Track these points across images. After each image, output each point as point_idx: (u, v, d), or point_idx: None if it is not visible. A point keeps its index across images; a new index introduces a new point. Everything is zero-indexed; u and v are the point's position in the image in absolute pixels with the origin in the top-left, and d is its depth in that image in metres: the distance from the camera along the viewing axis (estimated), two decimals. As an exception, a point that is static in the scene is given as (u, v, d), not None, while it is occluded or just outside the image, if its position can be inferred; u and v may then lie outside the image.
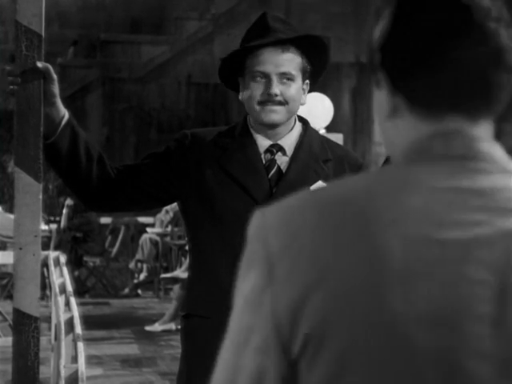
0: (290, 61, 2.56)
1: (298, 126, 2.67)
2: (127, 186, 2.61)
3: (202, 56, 15.57)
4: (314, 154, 2.63)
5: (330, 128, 7.48)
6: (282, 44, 2.57)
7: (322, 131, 7.34)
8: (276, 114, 2.55)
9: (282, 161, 2.62)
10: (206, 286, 2.57)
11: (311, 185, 2.56)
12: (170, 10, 16.99)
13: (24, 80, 2.40)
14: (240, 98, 2.63)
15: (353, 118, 16.62)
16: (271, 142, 2.61)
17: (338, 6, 16.41)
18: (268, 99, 2.54)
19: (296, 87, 2.58)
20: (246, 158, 2.59)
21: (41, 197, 2.40)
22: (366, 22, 16.71)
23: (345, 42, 16.36)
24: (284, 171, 2.59)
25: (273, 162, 2.61)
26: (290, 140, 2.63)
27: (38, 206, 2.39)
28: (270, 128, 2.59)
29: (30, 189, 2.39)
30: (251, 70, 2.58)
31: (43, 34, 2.43)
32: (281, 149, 2.62)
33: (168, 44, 15.95)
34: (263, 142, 2.61)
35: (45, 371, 4.76)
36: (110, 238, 12.40)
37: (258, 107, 2.56)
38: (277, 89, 2.53)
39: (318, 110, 7.30)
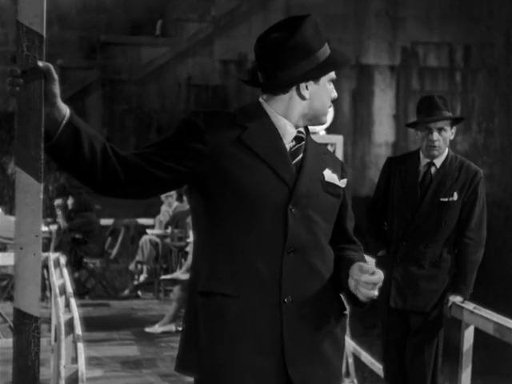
0: None
1: None
2: (137, 173, 2.59)
3: (202, 58, 15.57)
4: (316, 145, 2.79)
5: (330, 129, 7.48)
6: None
7: (322, 133, 7.34)
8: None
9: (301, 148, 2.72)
10: (233, 264, 2.56)
11: (323, 170, 2.71)
12: (170, 12, 16.98)
13: (25, 80, 2.40)
14: (307, 96, 2.70)
15: (353, 119, 16.61)
16: (296, 130, 2.71)
17: (338, 8, 16.39)
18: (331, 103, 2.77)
19: None
20: (270, 140, 2.65)
21: (41, 196, 2.40)
22: (366, 24, 16.70)
23: (344, 43, 16.35)
24: (301, 157, 2.68)
25: (298, 149, 2.69)
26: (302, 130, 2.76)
27: (38, 206, 2.39)
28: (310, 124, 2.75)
29: (30, 189, 2.39)
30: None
31: (44, 35, 2.43)
32: (303, 138, 2.72)
33: (168, 46, 15.94)
34: (289, 129, 2.69)
35: (45, 372, 4.75)
36: (109, 239, 12.39)
37: (326, 109, 2.74)
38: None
39: (318, 111, 7.32)
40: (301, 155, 2.67)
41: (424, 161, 5.01)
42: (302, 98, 2.68)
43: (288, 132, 2.68)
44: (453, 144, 5.06)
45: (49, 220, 12.05)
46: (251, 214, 2.56)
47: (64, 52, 16.33)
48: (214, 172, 2.58)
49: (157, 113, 15.56)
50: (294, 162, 2.66)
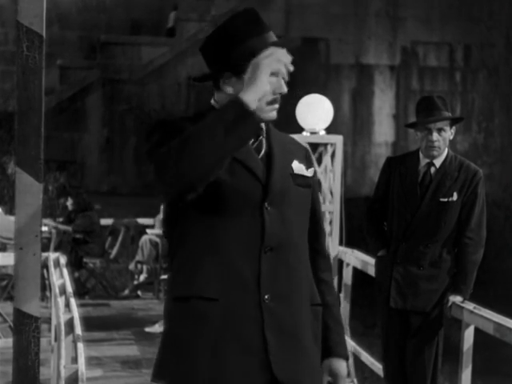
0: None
1: None
2: None
3: (202, 58, 15.57)
4: (280, 137, 2.75)
5: (329, 129, 7.48)
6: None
7: (322, 133, 7.34)
8: (276, 111, 2.59)
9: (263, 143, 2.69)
10: (211, 266, 2.55)
11: (291, 162, 2.69)
12: (170, 12, 16.98)
13: (25, 80, 2.40)
14: (228, 91, 2.61)
15: (353, 119, 16.62)
16: None
17: (338, 8, 16.40)
18: (276, 98, 2.56)
19: None
20: None
21: (41, 197, 2.40)
22: (366, 24, 16.70)
23: (344, 43, 16.36)
24: (268, 150, 2.66)
25: (260, 143, 2.66)
26: (261, 124, 2.68)
27: (38, 206, 2.39)
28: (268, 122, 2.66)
29: (30, 189, 2.39)
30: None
31: (44, 35, 2.43)
32: (261, 130, 2.67)
33: (168, 45, 15.95)
34: None
35: (45, 372, 4.75)
36: (109, 239, 12.39)
37: (267, 106, 2.50)
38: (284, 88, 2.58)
39: (318, 111, 7.29)
40: (263, 150, 2.64)
41: (424, 161, 5.01)
42: (227, 92, 2.61)
43: None
44: (453, 144, 5.06)
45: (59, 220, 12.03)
46: (228, 213, 2.55)
47: (64, 52, 16.34)
48: None
49: (157, 113, 15.57)
50: (260, 157, 2.63)
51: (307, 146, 2.88)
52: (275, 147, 2.67)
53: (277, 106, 2.57)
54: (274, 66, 2.43)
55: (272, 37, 2.62)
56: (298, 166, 2.70)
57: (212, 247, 2.56)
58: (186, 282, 2.57)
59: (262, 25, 2.62)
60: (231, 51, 2.60)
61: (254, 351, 2.54)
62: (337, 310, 2.83)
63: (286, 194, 2.63)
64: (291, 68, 2.48)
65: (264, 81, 2.40)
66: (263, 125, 2.68)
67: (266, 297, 2.56)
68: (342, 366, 2.75)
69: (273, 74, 2.44)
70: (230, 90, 2.61)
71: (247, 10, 2.66)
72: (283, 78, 2.51)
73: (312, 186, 2.75)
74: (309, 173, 2.73)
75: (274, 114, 2.58)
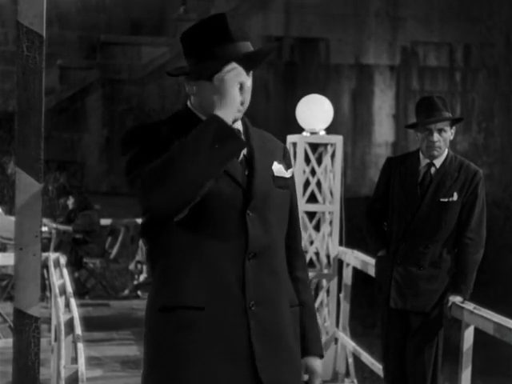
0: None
1: None
2: None
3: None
4: (260, 137, 2.69)
5: (329, 129, 7.48)
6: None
7: (322, 133, 7.34)
8: (240, 113, 2.55)
9: None
10: (196, 275, 2.51)
11: (271, 164, 2.65)
12: (170, 12, 16.98)
13: (25, 80, 2.40)
14: (189, 92, 2.60)
15: (352, 120, 16.62)
16: None
17: (338, 8, 16.40)
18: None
19: (250, 83, 2.58)
20: None
21: (41, 197, 2.40)
22: (366, 24, 16.70)
23: (344, 43, 16.36)
24: (248, 152, 2.61)
25: None
26: (239, 125, 2.63)
27: (38, 206, 2.39)
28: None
29: (30, 189, 2.39)
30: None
31: (44, 35, 2.43)
32: (239, 132, 2.60)
33: (168, 45, 15.95)
34: None
35: (45, 372, 4.75)
36: (109, 239, 12.39)
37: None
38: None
39: (318, 111, 7.29)
40: (242, 153, 2.59)
41: (424, 161, 5.01)
42: (191, 92, 2.60)
43: None
44: (453, 144, 5.06)
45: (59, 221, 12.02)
46: (210, 220, 2.51)
47: (64, 52, 16.34)
48: None
49: (157, 113, 15.56)
50: (239, 160, 2.59)
51: (284, 144, 2.82)
52: (255, 148, 2.63)
53: (240, 115, 2.54)
54: (238, 78, 2.45)
55: (240, 46, 2.53)
56: (278, 168, 2.66)
57: (195, 256, 2.52)
58: (170, 292, 2.53)
59: (228, 33, 2.54)
60: (195, 56, 2.57)
61: (241, 358, 2.53)
62: (312, 308, 2.83)
63: (268, 198, 2.60)
64: (249, 85, 2.52)
65: (234, 94, 2.42)
66: (241, 125, 2.64)
67: (251, 303, 2.54)
68: (317, 364, 2.75)
69: (239, 86, 2.46)
70: (193, 90, 2.58)
71: (215, 16, 2.60)
72: (246, 92, 2.51)
73: (290, 186, 2.72)
74: (288, 174, 2.69)
75: (238, 116, 2.54)
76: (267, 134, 2.78)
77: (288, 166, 2.72)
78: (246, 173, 2.58)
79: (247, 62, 2.53)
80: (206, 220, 2.51)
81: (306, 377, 2.74)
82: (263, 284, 2.57)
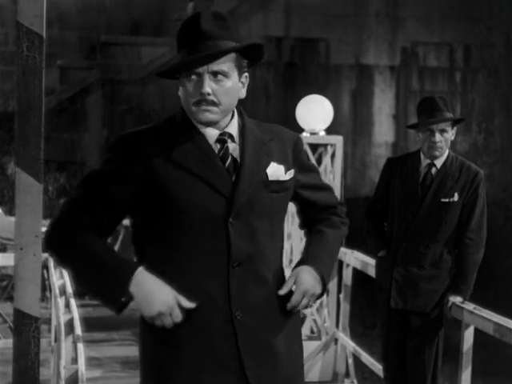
0: (224, 59, 2.50)
1: (236, 114, 2.62)
2: (109, 229, 2.65)
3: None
4: (258, 136, 2.61)
5: (329, 130, 7.47)
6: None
7: (322, 133, 7.34)
8: (210, 113, 2.49)
9: (233, 148, 2.56)
10: (179, 286, 2.47)
11: (265, 168, 2.57)
12: (170, 12, 16.98)
13: (25, 80, 2.40)
14: (179, 93, 2.56)
15: (353, 120, 16.61)
16: (218, 131, 2.55)
17: (338, 8, 16.40)
18: (201, 98, 2.49)
19: (230, 83, 2.52)
20: (198, 150, 2.50)
21: (41, 197, 2.40)
22: (366, 24, 16.70)
23: (344, 43, 16.35)
24: (239, 158, 2.55)
25: (226, 150, 2.55)
26: (234, 127, 2.58)
27: (38, 206, 2.39)
28: (209, 125, 2.55)
29: (30, 189, 2.39)
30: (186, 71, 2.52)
31: (44, 35, 2.43)
32: (230, 136, 2.56)
33: (168, 46, 15.94)
34: (211, 132, 2.54)
35: (45, 373, 4.75)
36: (109, 240, 12.37)
37: (193, 107, 2.51)
38: (208, 87, 2.48)
39: (318, 111, 7.29)
40: (230, 158, 2.53)
41: (425, 161, 5.01)
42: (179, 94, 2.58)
43: (210, 135, 2.54)
44: (453, 144, 5.06)
45: None
46: (192, 231, 2.47)
47: (64, 52, 16.33)
48: (152, 194, 2.48)
49: (157, 113, 15.56)
50: (226, 166, 2.53)
51: (296, 137, 2.74)
52: (247, 151, 2.56)
53: (208, 107, 2.48)
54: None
55: (208, 46, 2.47)
56: (274, 171, 2.58)
57: (178, 267, 2.49)
58: None
59: (198, 32, 2.48)
60: (178, 54, 2.55)
61: (230, 369, 2.49)
62: (329, 235, 2.73)
63: (256, 205, 2.52)
64: (229, 85, 2.49)
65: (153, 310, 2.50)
66: (236, 124, 2.59)
67: (238, 312, 2.49)
68: (305, 276, 2.62)
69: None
70: (179, 90, 2.55)
71: (193, 15, 2.55)
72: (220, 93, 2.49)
73: (289, 188, 2.63)
74: (287, 175, 2.61)
75: (207, 116, 2.50)
76: (277, 129, 2.71)
77: (295, 160, 2.65)
78: (233, 179, 2.52)
79: (203, 62, 2.46)
80: (186, 231, 2.48)
81: (294, 287, 2.61)
82: (250, 293, 2.51)
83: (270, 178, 2.57)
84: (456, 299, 4.89)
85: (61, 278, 6.46)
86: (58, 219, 2.47)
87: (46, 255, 7.89)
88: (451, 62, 17.15)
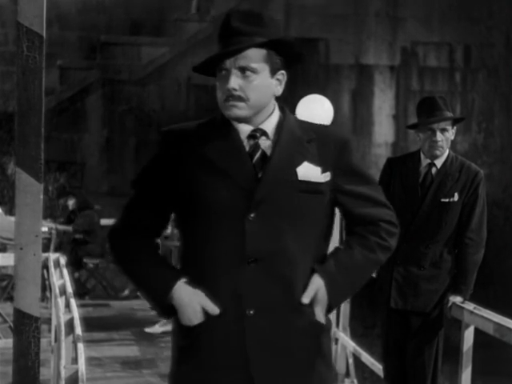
0: (252, 54, 2.52)
1: (277, 111, 2.62)
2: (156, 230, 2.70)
3: (202, 58, 15.55)
4: (296, 135, 2.58)
5: (329, 129, 7.47)
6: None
7: (322, 133, 7.34)
8: (237, 108, 2.52)
9: (266, 145, 2.56)
10: (195, 278, 2.54)
11: (296, 166, 2.54)
12: (170, 12, 16.98)
13: (25, 80, 2.40)
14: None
15: (352, 120, 16.61)
16: (252, 127, 2.57)
17: (338, 8, 16.39)
18: (228, 94, 2.52)
19: (259, 80, 2.53)
20: (227, 145, 2.53)
21: (41, 197, 2.40)
22: (366, 24, 16.70)
23: (344, 43, 16.35)
24: (269, 155, 2.54)
25: (257, 146, 2.56)
26: (271, 124, 2.58)
27: (38, 206, 2.39)
28: (240, 121, 2.57)
29: (30, 189, 2.39)
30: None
31: (44, 35, 2.43)
32: (264, 133, 2.57)
33: (168, 46, 15.94)
34: (244, 128, 2.56)
35: (45, 373, 4.75)
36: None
37: (222, 103, 2.56)
38: (234, 83, 2.50)
39: (318, 111, 7.29)
40: (258, 154, 2.54)
41: (425, 161, 5.01)
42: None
43: (243, 131, 2.57)
44: (453, 144, 5.06)
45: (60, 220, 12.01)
46: (212, 225, 2.50)
47: (64, 52, 16.33)
48: (184, 189, 2.54)
49: (157, 113, 15.56)
50: (254, 161, 2.53)
51: (344, 140, 2.66)
52: (278, 149, 2.55)
53: (234, 103, 2.51)
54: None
55: (233, 42, 2.51)
56: (306, 171, 2.53)
57: (200, 257, 2.54)
58: None
59: (227, 29, 2.54)
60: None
61: (236, 365, 2.49)
62: (362, 256, 2.60)
63: (279, 202, 2.49)
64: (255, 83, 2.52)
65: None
66: (274, 122, 2.59)
67: (250, 310, 2.47)
68: (317, 285, 2.54)
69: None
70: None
71: (228, 12, 2.60)
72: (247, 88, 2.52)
73: (327, 190, 2.55)
74: (322, 178, 2.55)
75: (234, 111, 2.52)
76: (323, 130, 2.67)
77: (337, 167, 2.58)
78: (260, 175, 2.51)
79: (225, 56, 2.52)
80: (206, 225, 2.51)
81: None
82: (265, 292, 2.48)
83: (299, 178, 2.53)
84: (456, 299, 4.89)
85: (61, 278, 6.46)
86: (116, 225, 2.67)
87: (46, 255, 7.86)
88: (451, 62, 17.15)
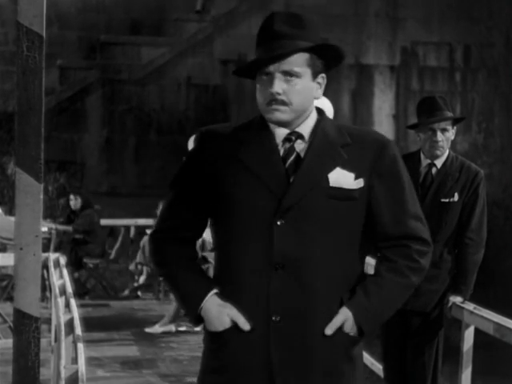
0: (295, 59, 2.51)
1: (315, 114, 2.62)
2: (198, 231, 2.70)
3: (202, 57, 15.57)
4: (331, 139, 2.55)
5: (329, 129, 7.48)
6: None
7: (322, 133, 7.34)
8: (280, 113, 2.50)
9: (301, 148, 2.54)
10: (223, 281, 2.56)
11: (328, 172, 2.50)
12: (170, 12, 16.98)
13: (25, 80, 2.40)
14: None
15: (353, 120, 16.61)
16: (288, 131, 2.55)
17: (338, 8, 16.40)
18: (272, 98, 2.50)
19: (302, 84, 2.53)
20: (262, 148, 2.52)
21: (41, 197, 2.40)
22: (366, 24, 16.70)
23: (344, 43, 16.34)
24: (298, 159, 2.52)
25: (291, 150, 2.54)
26: (307, 127, 2.57)
27: (38, 206, 2.39)
28: (280, 124, 2.55)
29: (30, 189, 2.39)
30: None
31: (44, 35, 2.43)
32: (300, 136, 2.55)
33: (168, 45, 15.94)
34: (280, 132, 2.55)
35: (45, 373, 4.75)
36: (109, 239, 12.38)
37: (264, 107, 2.53)
38: (278, 87, 2.49)
39: (318, 111, 7.30)
40: (292, 157, 2.52)
41: (425, 161, 5.01)
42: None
43: (279, 135, 2.55)
44: (453, 144, 5.06)
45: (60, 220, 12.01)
46: (241, 229, 2.50)
47: (64, 52, 16.33)
48: (216, 191, 2.55)
49: (157, 113, 15.56)
50: (287, 166, 2.51)
51: (383, 144, 2.61)
52: (311, 154, 2.52)
53: (277, 107, 2.49)
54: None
55: (275, 45, 2.48)
56: (338, 178, 2.49)
57: (229, 261, 2.54)
58: None
59: (269, 32, 2.51)
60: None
61: (260, 372, 2.48)
62: (393, 285, 2.52)
63: (308, 208, 2.46)
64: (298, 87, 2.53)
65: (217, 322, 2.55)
66: (311, 125, 2.58)
67: (277, 316, 2.46)
68: (343, 317, 2.50)
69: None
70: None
71: (269, 14, 2.57)
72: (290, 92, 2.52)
73: (360, 197, 2.51)
74: (355, 184, 2.50)
75: (277, 116, 2.51)
76: (361, 134, 2.61)
77: (374, 171, 2.54)
78: (292, 180, 2.49)
79: (269, 62, 2.49)
80: (237, 229, 2.51)
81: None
82: (292, 298, 2.46)
83: (331, 184, 2.49)
84: (456, 299, 4.89)
85: (61, 278, 6.46)
86: (156, 228, 2.68)
87: (45, 255, 7.86)
88: (451, 62, 17.15)
